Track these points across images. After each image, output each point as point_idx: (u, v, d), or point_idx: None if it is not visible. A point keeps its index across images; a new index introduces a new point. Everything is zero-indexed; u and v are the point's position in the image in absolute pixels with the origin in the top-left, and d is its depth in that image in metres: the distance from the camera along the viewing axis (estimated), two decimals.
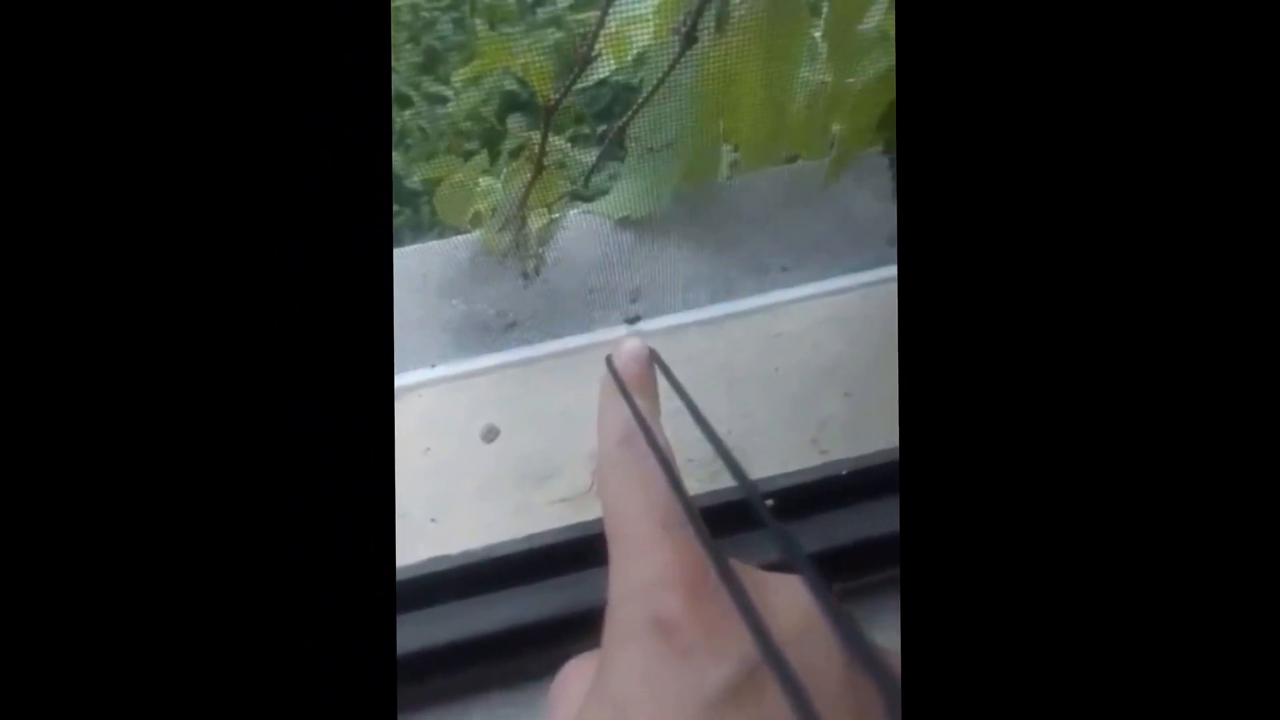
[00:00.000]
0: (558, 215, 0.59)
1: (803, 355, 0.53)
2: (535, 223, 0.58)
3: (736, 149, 0.59)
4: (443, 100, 0.85)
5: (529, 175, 0.56)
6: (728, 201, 0.60)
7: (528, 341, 0.57)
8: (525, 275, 0.60)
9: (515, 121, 0.81)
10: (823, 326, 0.55)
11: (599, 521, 0.32)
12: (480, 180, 0.61)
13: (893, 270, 0.58)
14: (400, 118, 0.81)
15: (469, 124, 0.85)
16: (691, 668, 0.32)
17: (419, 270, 0.61)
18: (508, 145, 0.86)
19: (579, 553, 0.47)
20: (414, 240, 0.67)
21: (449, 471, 0.53)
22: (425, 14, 0.86)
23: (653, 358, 0.38)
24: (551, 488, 0.52)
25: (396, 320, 0.61)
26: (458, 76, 0.82)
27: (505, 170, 0.59)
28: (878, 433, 0.48)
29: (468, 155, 0.83)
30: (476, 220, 0.60)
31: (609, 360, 0.38)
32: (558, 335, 0.57)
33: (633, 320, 0.57)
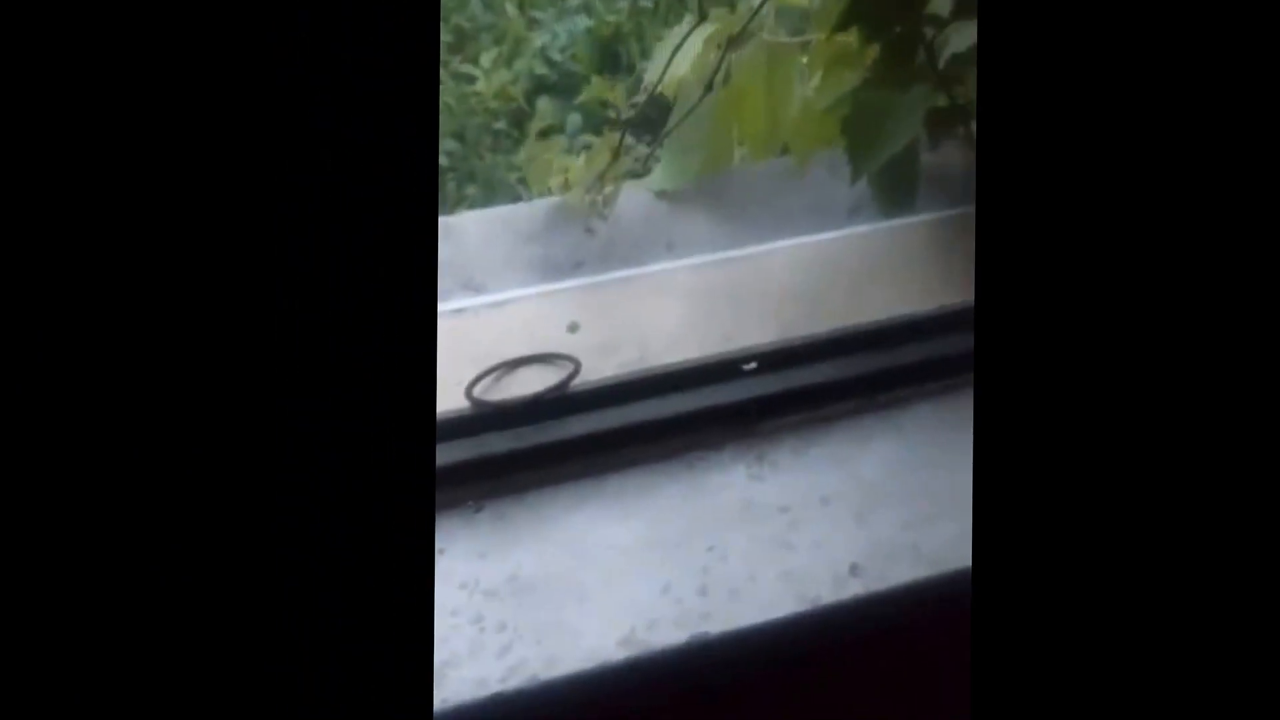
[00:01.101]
0: (613, 189, 0.84)
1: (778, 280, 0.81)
2: (602, 192, 0.84)
3: (744, 144, 0.86)
4: (470, 79, 1.00)
5: (606, 156, 0.81)
6: (736, 182, 0.87)
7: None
8: (589, 230, 0.85)
9: (544, 103, 1.01)
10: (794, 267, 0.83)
11: None
12: (558, 158, 0.86)
13: (845, 232, 0.85)
14: None
15: (496, 103, 1.01)
16: None
17: (506, 224, 0.86)
18: (535, 125, 1.03)
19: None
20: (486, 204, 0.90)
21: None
22: None
23: None
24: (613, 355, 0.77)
25: (490, 260, 0.85)
26: (486, 58, 1.01)
27: (583, 153, 0.83)
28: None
29: (495, 134, 1.01)
30: (554, 188, 0.85)
31: None
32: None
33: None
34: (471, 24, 0.98)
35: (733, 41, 0.79)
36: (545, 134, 0.91)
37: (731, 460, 0.72)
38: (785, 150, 0.85)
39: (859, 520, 0.67)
